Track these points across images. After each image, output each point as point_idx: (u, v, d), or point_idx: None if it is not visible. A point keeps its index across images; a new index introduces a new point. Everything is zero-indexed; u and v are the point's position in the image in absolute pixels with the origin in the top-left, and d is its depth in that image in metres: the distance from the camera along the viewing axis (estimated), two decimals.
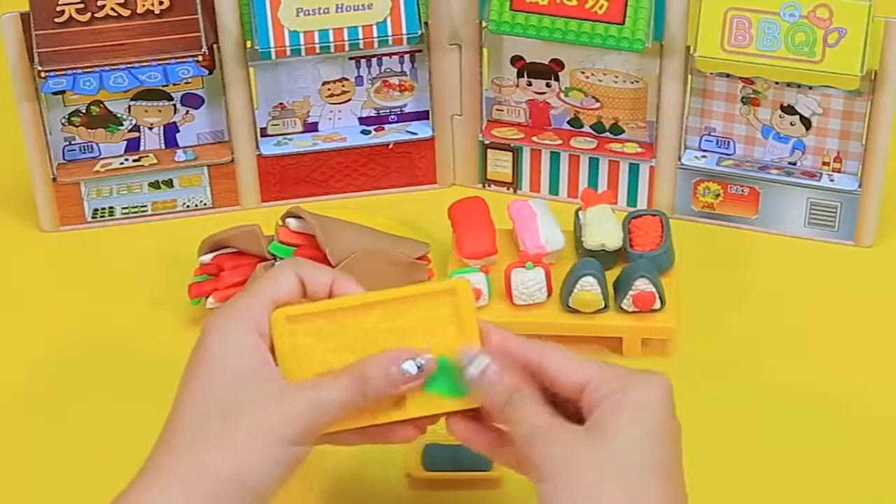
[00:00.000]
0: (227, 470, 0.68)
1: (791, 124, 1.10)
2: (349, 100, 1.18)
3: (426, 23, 1.12)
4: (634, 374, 0.71)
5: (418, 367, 0.71)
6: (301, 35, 1.09)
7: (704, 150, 1.14)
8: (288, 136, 1.18)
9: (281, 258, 0.98)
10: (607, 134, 1.16)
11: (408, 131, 1.18)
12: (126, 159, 1.15)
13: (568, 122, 1.17)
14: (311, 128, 1.18)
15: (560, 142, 1.15)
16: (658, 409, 0.69)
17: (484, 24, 1.11)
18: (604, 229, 1.00)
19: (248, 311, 0.72)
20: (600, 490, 0.66)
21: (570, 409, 0.71)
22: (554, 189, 1.17)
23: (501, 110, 1.18)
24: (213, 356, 0.70)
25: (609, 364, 0.72)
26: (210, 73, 1.12)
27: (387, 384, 0.71)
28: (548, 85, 1.15)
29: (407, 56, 1.16)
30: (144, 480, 0.68)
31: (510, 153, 1.17)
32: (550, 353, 0.72)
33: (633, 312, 0.96)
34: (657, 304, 0.96)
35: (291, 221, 1.00)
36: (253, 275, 0.98)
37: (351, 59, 1.15)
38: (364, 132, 1.18)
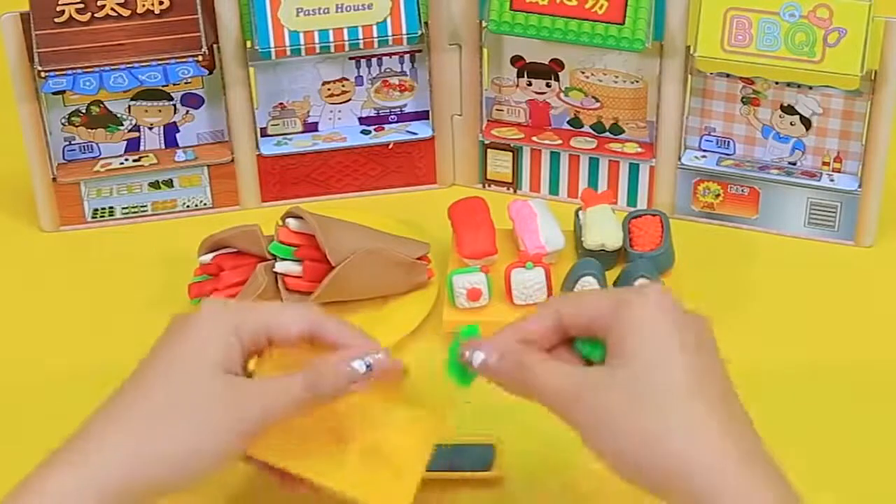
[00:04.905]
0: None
1: (791, 124, 1.10)
2: (349, 100, 1.18)
3: (426, 23, 1.12)
4: (629, 292, 0.70)
5: (367, 366, 0.71)
6: (301, 35, 1.09)
7: (704, 150, 1.14)
8: (288, 136, 1.18)
9: (281, 258, 0.98)
10: (607, 134, 1.16)
11: (408, 131, 1.18)
12: (126, 159, 1.15)
13: (568, 122, 1.17)
14: (311, 128, 1.18)
15: (560, 142, 1.15)
16: (662, 320, 0.68)
17: (484, 24, 1.11)
18: (604, 229, 1.00)
19: (240, 317, 0.72)
20: (630, 418, 0.65)
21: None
22: (554, 189, 1.17)
23: (501, 110, 1.18)
24: (187, 338, 0.71)
25: (606, 291, 0.70)
26: (210, 73, 1.12)
27: (336, 379, 0.71)
28: (548, 85, 1.15)
29: (407, 56, 1.16)
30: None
31: (510, 153, 1.17)
32: (563, 306, 0.71)
33: None
34: None
35: (291, 221, 1.00)
36: (253, 275, 0.98)
37: (351, 59, 1.15)
38: (364, 132, 1.18)
